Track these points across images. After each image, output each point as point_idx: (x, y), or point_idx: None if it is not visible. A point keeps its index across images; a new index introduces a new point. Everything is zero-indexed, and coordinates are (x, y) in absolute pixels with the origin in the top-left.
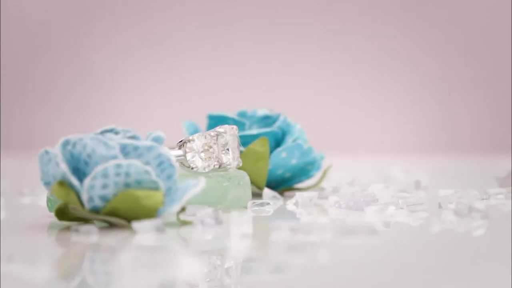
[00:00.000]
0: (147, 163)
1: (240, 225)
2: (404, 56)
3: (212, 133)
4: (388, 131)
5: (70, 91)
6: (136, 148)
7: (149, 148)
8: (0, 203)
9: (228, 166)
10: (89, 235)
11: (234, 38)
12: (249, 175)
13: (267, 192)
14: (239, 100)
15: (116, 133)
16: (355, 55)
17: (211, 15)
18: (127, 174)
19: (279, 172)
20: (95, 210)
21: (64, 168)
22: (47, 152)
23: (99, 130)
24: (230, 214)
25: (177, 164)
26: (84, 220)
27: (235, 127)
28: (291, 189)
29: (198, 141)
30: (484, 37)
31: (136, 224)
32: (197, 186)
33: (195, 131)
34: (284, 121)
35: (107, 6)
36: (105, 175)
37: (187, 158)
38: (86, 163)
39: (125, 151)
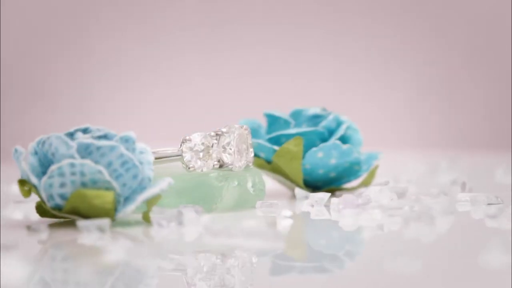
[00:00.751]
0: (109, 163)
1: (190, 226)
2: (404, 56)
3: (213, 133)
4: (388, 130)
5: (70, 90)
6: (98, 148)
7: (112, 148)
8: None
9: (230, 166)
10: (38, 232)
11: (234, 38)
12: (285, 173)
13: (298, 191)
14: (239, 100)
15: (87, 132)
16: (355, 55)
17: (211, 15)
18: (82, 174)
19: (320, 172)
20: (58, 208)
21: (24, 166)
22: (16, 151)
23: (72, 129)
24: (186, 215)
25: (151, 166)
26: (65, 217)
27: (245, 126)
28: (340, 189)
29: (196, 141)
30: (484, 37)
31: (80, 222)
32: (156, 186)
33: (253, 129)
34: (334, 120)
35: (106, 6)
36: (61, 174)
37: (184, 158)
38: (52, 162)
39: (88, 150)
